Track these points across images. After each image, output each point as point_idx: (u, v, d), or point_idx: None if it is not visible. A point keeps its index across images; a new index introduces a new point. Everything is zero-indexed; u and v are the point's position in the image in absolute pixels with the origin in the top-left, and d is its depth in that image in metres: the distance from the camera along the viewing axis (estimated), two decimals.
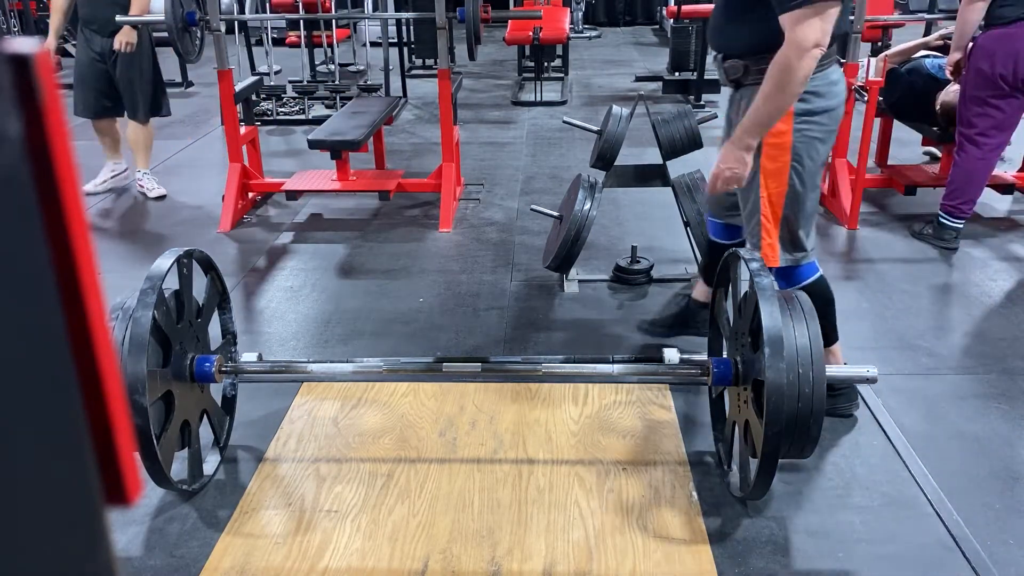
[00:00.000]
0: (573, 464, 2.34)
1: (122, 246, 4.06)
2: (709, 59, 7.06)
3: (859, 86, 4.00)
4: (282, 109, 6.58)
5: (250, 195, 4.46)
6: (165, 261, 2.05)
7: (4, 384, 0.31)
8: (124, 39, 4.37)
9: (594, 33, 10.68)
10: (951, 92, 3.99)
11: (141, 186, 4.73)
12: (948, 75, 3.84)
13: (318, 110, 6.59)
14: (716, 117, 3.90)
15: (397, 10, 8.06)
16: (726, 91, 2.41)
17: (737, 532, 2.08)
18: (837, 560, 1.98)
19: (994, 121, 3.60)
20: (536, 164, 5.29)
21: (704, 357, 2.28)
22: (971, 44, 3.61)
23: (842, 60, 2.56)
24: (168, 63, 8.36)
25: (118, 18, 4.20)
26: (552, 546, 2.02)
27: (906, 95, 4.23)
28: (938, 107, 4.08)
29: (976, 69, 3.56)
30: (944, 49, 4.28)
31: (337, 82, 6.79)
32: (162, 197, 4.70)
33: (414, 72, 7.92)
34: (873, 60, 3.95)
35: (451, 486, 2.25)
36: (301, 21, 7.63)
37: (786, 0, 1.96)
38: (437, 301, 3.38)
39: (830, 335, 2.42)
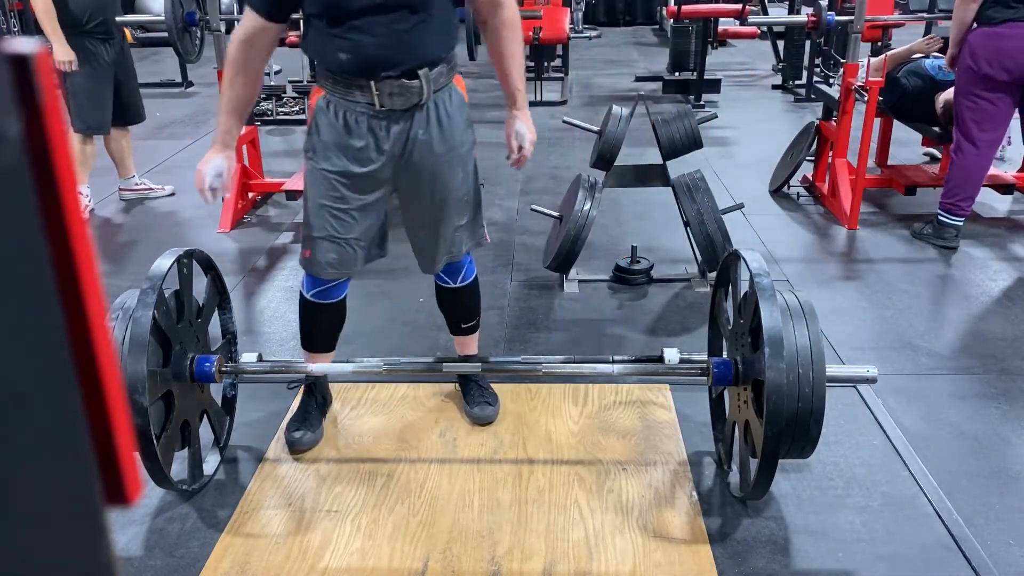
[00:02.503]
0: (573, 464, 2.33)
1: (122, 246, 4.06)
2: (708, 59, 7.07)
3: (859, 86, 4.00)
4: (282, 109, 6.58)
5: (250, 195, 4.46)
6: (165, 261, 2.05)
7: (4, 384, 0.31)
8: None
9: (594, 33, 10.68)
10: (951, 92, 3.99)
11: (148, 189, 4.68)
12: (947, 71, 3.85)
13: None
14: (716, 117, 3.91)
15: None
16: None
17: (737, 532, 2.08)
18: (837, 560, 1.98)
19: (986, 115, 3.61)
20: (536, 164, 5.29)
21: (704, 357, 2.28)
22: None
23: None
24: (168, 63, 8.38)
25: (118, 19, 4.20)
26: (552, 546, 2.02)
27: (906, 97, 4.23)
28: (939, 107, 4.08)
29: (965, 66, 3.59)
30: (943, 50, 4.29)
31: None
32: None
33: None
34: (874, 60, 3.95)
35: (451, 486, 2.25)
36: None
37: None
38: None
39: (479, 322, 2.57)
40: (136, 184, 4.66)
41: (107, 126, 4.32)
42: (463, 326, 2.53)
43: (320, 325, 2.40)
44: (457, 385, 2.64)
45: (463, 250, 2.32)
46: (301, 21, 2.10)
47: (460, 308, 2.51)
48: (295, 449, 2.39)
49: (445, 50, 2.07)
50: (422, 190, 2.16)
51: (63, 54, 3.97)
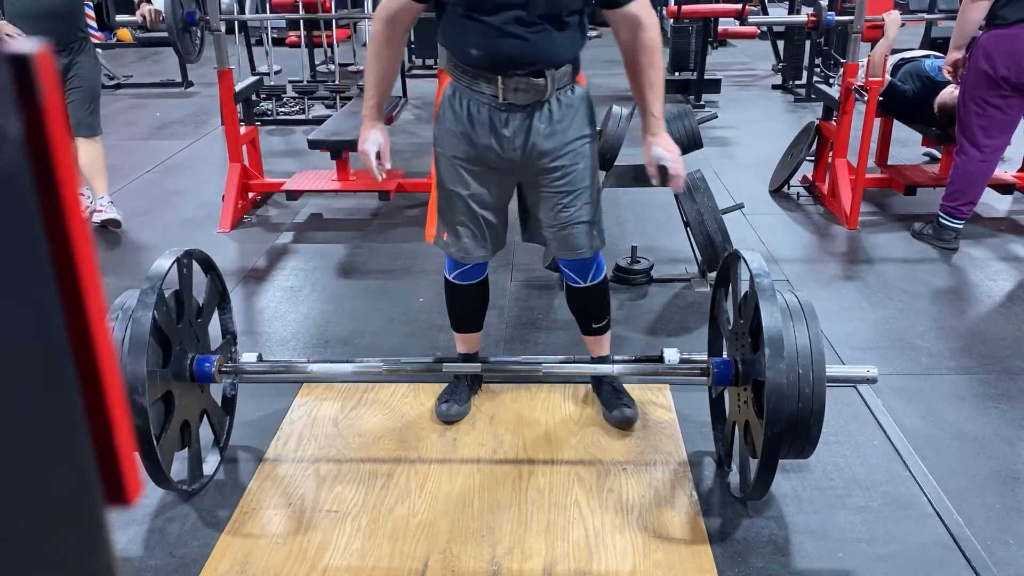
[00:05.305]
0: (573, 464, 2.33)
1: (122, 246, 4.06)
2: (708, 59, 7.07)
3: (859, 86, 3.99)
4: (282, 109, 6.59)
5: (250, 195, 4.46)
6: (165, 261, 2.05)
7: (4, 384, 0.31)
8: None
9: (594, 33, 10.66)
10: (949, 93, 3.98)
11: (99, 211, 4.06)
12: (946, 75, 3.83)
13: (318, 110, 6.59)
14: (716, 117, 3.91)
15: None
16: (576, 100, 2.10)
17: (737, 532, 2.08)
18: (837, 560, 1.98)
19: (995, 122, 3.59)
20: None
21: (704, 357, 2.28)
22: (971, 44, 3.60)
23: None
24: (168, 63, 8.38)
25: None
26: (552, 546, 2.02)
27: (905, 101, 4.23)
28: (936, 108, 4.08)
29: (976, 69, 3.55)
30: (939, 49, 4.28)
31: (337, 82, 6.79)
32: (116, 223, 4.10)
33: (414, 72, 7.92)
34: (874, 57, 3.94)
35: (451, 486, 2.25)
36: (301, 21, 7.63)
37: None
38: (437, 301, 3.37)
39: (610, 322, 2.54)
40: (98, 207, 4.09)
41: None
42: (594, 326, 2.50)
43: (462, 306, 2.50)
44: (591, 391, 2.63)
45: (593, 247, 2.30)
46: (435, 7, 2.12)
47: (589, 308, 2.48)
48: (443, 419, 2.50)
49: (573, 53, 2.15)
50: (546, 183, 2.20)
51: None
